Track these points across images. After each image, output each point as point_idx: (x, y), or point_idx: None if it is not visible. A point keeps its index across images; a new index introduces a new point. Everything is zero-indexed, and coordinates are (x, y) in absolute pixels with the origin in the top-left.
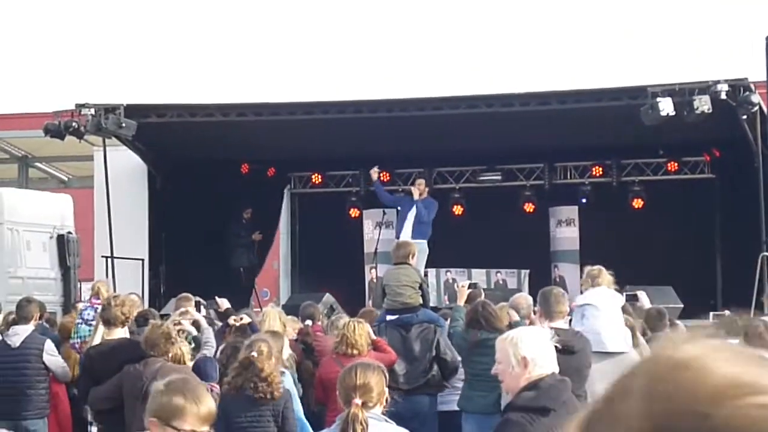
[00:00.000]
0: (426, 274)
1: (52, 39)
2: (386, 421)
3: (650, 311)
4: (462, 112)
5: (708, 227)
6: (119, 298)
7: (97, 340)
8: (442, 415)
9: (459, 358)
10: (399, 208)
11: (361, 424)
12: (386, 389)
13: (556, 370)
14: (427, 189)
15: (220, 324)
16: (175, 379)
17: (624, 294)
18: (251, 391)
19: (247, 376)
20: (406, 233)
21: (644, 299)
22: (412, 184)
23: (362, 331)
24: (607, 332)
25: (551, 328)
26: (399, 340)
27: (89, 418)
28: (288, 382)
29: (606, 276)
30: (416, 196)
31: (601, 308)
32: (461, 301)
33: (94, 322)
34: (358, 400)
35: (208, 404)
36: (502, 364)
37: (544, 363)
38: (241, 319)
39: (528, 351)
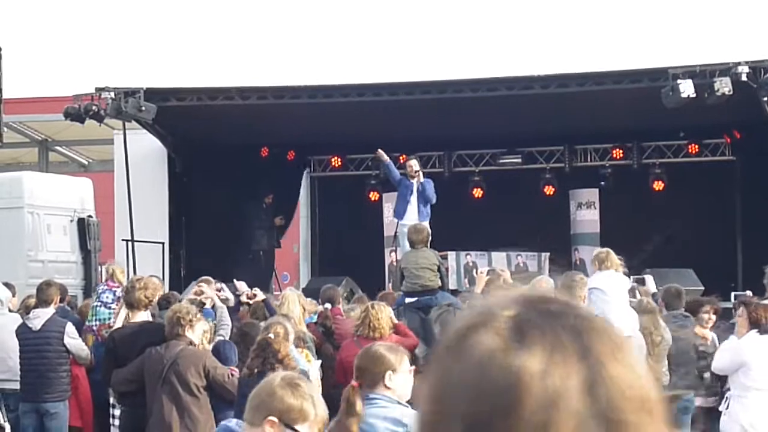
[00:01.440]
0: (446, 257)
1: (71, 23)
2: (398, 403)
3: (669, 290)
4: (482, 95)
5: (728, 209)
6: (142, 281)
7: (119, 323)
8: None
9: None
10: (399, 188)
11: (352, 404)
12: (393, 372)
13: None
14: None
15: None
16: (296, 379)
17: (631, 278)
18: (270, 373)
19: (266, 357)
20: (412, 216)
21: (650, 283)
22: (404, 165)
23: (384, 314)
24: (615, 316)
25: None
26: (418, 323)
27: (111, 400)
28: (303, 362)
29: (614, 259)
30: (420, 178)
31: (609, 292)
32: (479, 288)
33: (113, 305)
34: (354, 381)
35: (324, 408)
36: None
37: None
38: (254, 295)
39: None
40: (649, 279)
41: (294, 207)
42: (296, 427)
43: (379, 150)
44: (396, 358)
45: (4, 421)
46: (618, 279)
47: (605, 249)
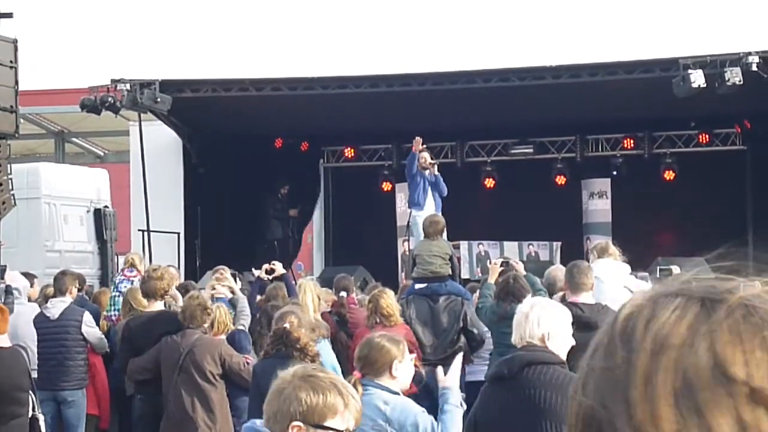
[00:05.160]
0: (458, 247)
1: (87, 15)
2: (387, 390)
3: (665, 270)
4: (494, 85)
5: (739, 198)
6: (158, 270)
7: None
8: (470, 385)
9: (485, 329)
10: (414, 179)
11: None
12: (399, 361)
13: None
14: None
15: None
16: (311, 370)
17: (658, 268)
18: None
19: (284, 346)
20: (429, 206)
21: (677, 273)
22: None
23: (393, 301)
24: (610, 303)
25: (571, 302)
26: (426, 311)
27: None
28: (326, 351)
29: (613, 249)
30: (435, 171)
31: (605, 280)
32: (492, 279)
33: None
34: (357, 372)
35: (355, 393)
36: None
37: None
38: (273, 269)
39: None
40: (676, 270)
41: (314, 198)
42: (327, 423)
43: (418, 138)
44: (399, 348)
45: (39, 412)
46: (616, 267)
47: (604, 239)
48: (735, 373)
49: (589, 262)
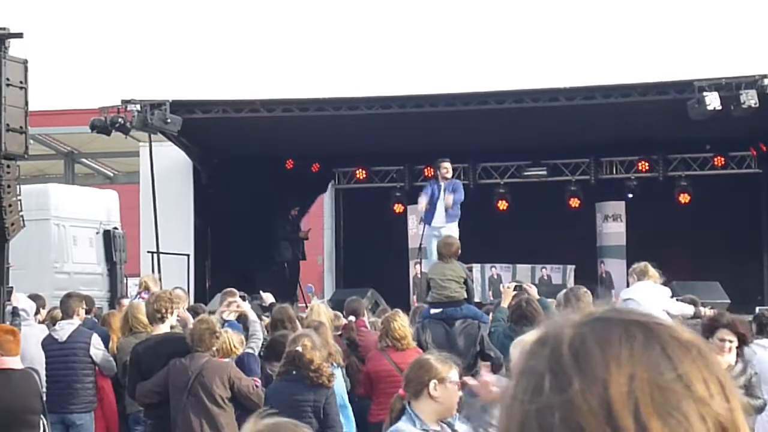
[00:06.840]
0: (470, 270)
1: (97, 36)
2: (412, 421)
3: (683, 301)
4: (507, 107)
5: (755, 222)
6: (153, 295)
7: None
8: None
9: (501, 355)
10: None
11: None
12: (438, 382)
13: None
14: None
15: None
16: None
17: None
18: (304, 380)
19: (298, 366)
20: (440, 219)
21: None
22: (437, 167)
23: (406, 323)
24: None
25: None
26: (443, 335)
27: (128, 411)
28: (338, 377)
29: (652, 271)
30: (450, 180)
31: (642, 303)
32: (505, 303)
33: None
34: (401, 390)
35: None
36: None
37: None
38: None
39: None
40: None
41: (320, 220)
42: None
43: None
44: (444, 367)
45: None
46: (654, 289)
47: (643, 262)
48: (699, 391)
49: (614, 285)
